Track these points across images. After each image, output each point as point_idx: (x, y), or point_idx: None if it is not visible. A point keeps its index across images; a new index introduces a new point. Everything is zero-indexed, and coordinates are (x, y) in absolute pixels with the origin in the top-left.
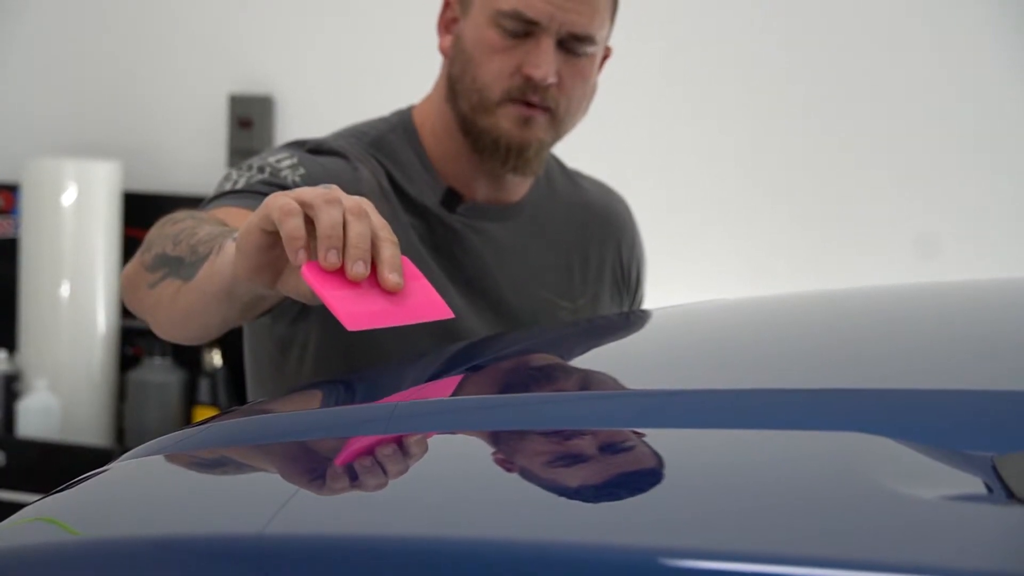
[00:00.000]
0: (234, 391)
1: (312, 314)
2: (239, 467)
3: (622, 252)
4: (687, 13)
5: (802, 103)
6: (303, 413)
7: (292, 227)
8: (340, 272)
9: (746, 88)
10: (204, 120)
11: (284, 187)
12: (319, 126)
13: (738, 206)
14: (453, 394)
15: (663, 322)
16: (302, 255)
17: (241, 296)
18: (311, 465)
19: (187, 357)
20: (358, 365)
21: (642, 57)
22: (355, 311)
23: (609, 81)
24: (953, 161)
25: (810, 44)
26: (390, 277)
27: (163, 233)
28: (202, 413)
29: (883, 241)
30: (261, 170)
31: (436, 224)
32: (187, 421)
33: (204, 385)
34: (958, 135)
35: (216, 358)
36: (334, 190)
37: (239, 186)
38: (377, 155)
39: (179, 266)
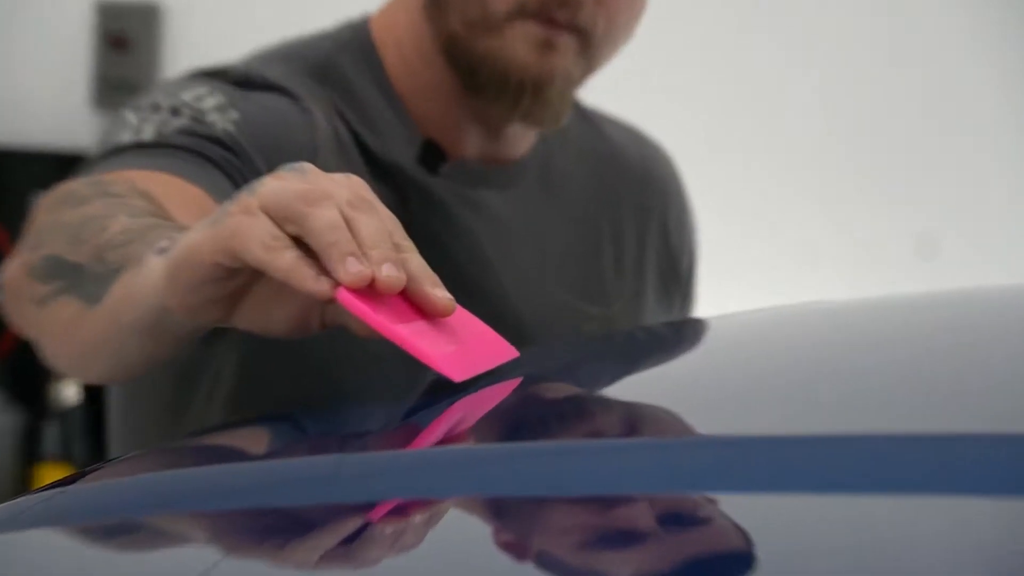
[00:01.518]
0: (96, 442)
1: (229, 332)
2: (111, 561)
3: (669, 229)
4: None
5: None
6: (217, 469)
7: (291, 264)
8: (366, 292)
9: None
10: (59, 40)
11: (215, 140)
12: (227, 47)
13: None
14: (432, 442)
15: (741, 336)
16: (325, 284)
17: (173, 330)
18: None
19: (26, 390)
20: (293, 400)
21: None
22: (445, 355)
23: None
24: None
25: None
26: (439, 295)
27: (58, 222)
28: (50, 474)
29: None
30: (175, 112)
31: (411, 191)
32: (25, 484)
33: (51, 433)
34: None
35: (69, 392)
36: (310, 175)
37: (147, 136)
38: (324, 88)
39: (80, 279)
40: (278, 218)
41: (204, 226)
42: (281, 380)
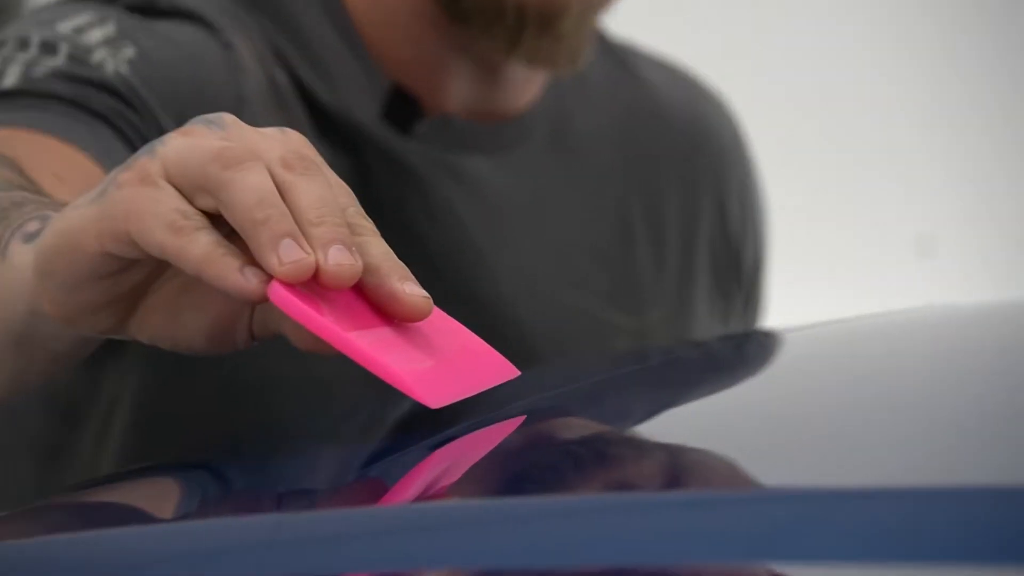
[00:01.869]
0: None
1: (128, 353)
2: None
3: (728, 209)
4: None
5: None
6: (108, 535)
7: (205, 251)
8: (309, 288)
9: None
10: None
11: (103, 85)
12: None
13: None
14: (403, 499)
15: (827, 354)
16: (253, 280)
17: (48, 345)
18: None
19: None
20: (213, 441)
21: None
22: (418, 373)
23: None
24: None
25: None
26: (409, 292)
27: None
28: None
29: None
30: (49, 49)
31: (374, 157)
32: None
33: None
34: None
35: None
36: (231, 130)
37: (9, 82)
38: (256, 17)
39: None
40: (187, 188)
41: (87, 202)
42: (196, 414)
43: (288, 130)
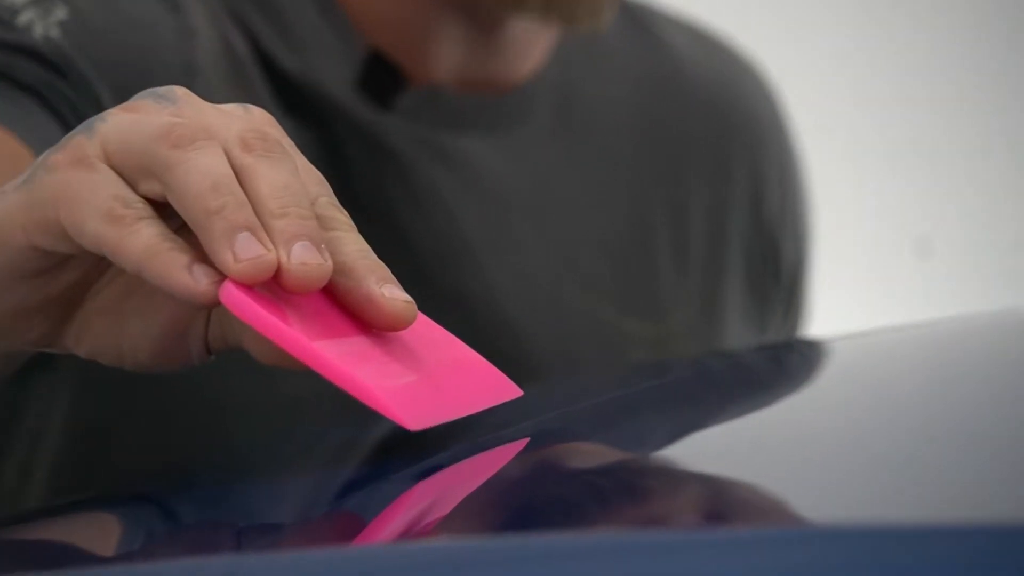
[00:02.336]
0: None
1: (60, 368)
2: None
3: (763, 197)
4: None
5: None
6: None
7: (149, 245)
8: (270, 290)
9: None
10: None
11: (29, 51)
12: None
13: None
14: (383, 537)
15: (883, 367)
16: (203, 280)
17: None
18: None
19: None
20: (158, 470)
21: None
22: (395, 390)
23: None
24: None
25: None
26: (389, 296)
27: None
28: None
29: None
30: None
31: (348, 134)
32: None
33: None
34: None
35: None
36: (182, 104)
37: None
38: None
39: None
40: (130, 172)
41: (12, 188)
42: (141, 440)
43: (251, 107)
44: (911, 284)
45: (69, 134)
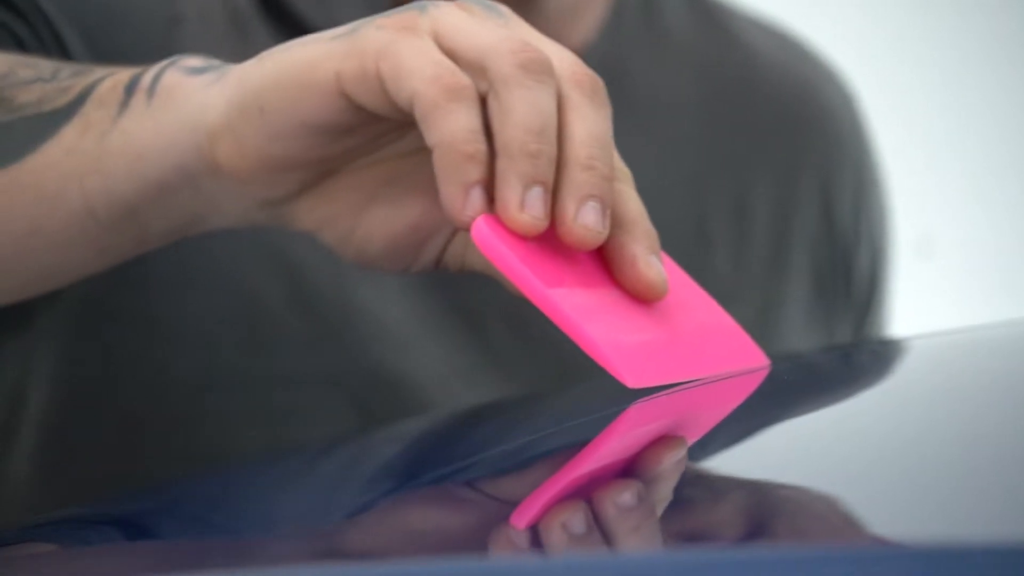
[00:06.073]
0: None
1: (36, 325)
2: None
3: (834, 199)
4: None
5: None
6: None
7: (461, 131)
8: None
9: None
10: None
11: None
12: None
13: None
14: (384, 551)
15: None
16: (477, 203)
17: (153, 221)
18: None
19: None
20: (152, 455)
21: None
22: (624, 345)
23: None
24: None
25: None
26: (654, 265)
27: None
28: None
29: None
30: None
31: None
32: None
33: None
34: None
35: None
36: (513, 23)
37: None
38: None
39: None
40: (456, 60)
41: (330, 37)
42: (123, 404)
43: (565, 48)
44: (911, 284)
45: (399, 7)
